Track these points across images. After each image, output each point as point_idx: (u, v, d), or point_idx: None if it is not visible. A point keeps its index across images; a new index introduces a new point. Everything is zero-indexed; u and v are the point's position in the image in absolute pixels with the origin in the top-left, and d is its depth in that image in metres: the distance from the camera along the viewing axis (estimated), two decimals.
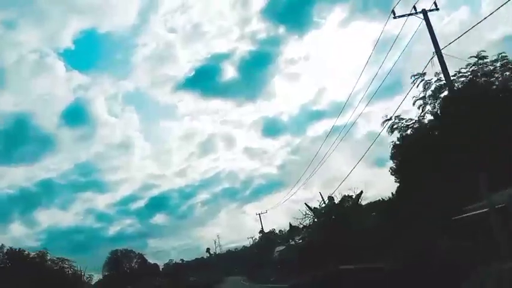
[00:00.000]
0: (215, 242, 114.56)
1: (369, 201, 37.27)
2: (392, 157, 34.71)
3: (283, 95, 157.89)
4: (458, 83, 16.15)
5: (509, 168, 15.29)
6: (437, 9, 20.86)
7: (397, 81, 62.36)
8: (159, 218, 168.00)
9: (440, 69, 17.59)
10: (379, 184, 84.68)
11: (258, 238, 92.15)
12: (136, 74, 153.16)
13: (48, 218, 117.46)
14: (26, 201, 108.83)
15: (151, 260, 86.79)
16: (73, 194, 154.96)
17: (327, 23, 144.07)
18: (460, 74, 16.02)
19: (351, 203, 35.54)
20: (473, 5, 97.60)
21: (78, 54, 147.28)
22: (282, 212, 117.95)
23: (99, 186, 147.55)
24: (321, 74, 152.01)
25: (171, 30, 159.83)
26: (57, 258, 35.81)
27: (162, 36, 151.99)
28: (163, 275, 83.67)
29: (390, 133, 17.86)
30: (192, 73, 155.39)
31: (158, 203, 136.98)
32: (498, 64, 16.30)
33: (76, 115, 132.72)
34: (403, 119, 17.59)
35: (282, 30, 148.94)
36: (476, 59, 15.86)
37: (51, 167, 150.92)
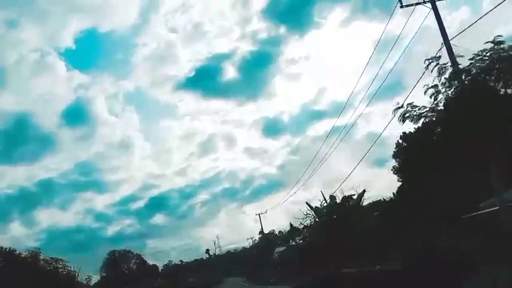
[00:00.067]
0: (214, 243, 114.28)
1: (370, 201, 36.88)
2: (395, 156, 34.25)
3: (284, 95, 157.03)
4: (476, 68, 15.12)
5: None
6: None
7: (398, 81, 61.69)
8: (158, 219, 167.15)
9: (449, 60, 16.82)
10: (378, 185, 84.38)
11: (257, 239, 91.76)
12: (137, 73, 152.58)
13: (48, 217, 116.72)
14: (26, 201, 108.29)
15: (150, 261, 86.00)
16: (73, 193, 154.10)
17: (327, 23, 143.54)
18: (479, 57, 14.97)
19: (352, 202, 35.07)
20: (473, 5, 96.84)
21: (78, 53, 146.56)
22: (281, 213, 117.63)
23: (99, 186, 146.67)
24: (321, 74, 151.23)
25: (171, 30, 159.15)
26: (51, 258, 35.17)
27: (162, 36, 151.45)
28: (162, 276, 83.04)
29: (401, 122, 16.69)
30: (193, 73, 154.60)
31: (158, 203, 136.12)
32: None
33: (76, 115, 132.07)
34: (416, 106, 16.39)
35: (282, 30, 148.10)
36: (493, 44, 14.86)
37: (51, 166, 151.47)
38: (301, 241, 45.41)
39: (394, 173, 32.44)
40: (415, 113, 16.35)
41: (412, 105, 16.48)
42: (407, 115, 16.55)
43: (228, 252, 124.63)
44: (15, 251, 32.81)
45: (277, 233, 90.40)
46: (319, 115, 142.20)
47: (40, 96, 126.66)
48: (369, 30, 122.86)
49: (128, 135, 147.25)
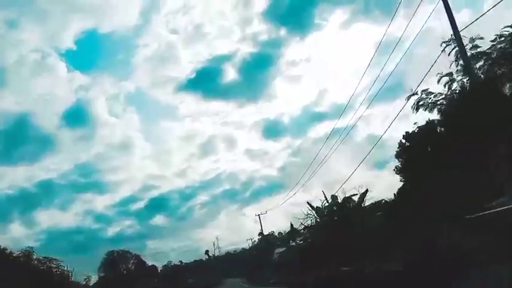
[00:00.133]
0: (214, 244, 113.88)
1: (371, 202, 36.25)
2: (397, 156, 33.63)
3: (284, 97, 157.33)
4: (497, 51, 14.25)
5: None
6: None
7: (399, 83, 60.78)
8: (158, 219, 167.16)
9: (459, 50, 16.01)
10: (379, 186, 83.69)
11: (257, 240, 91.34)
12: (138, 74, 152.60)
13: (48, 218, 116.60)
14: (26, 202, 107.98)
15: (149, 262, 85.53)
16: (73, 194, 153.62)
17: (328, 25, 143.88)
18: (501, 39, 14.07)
19: (353, 204, 34.51)
20: (474, 6, 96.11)
21: (79, 54, 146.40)
22: (281, 215, 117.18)
23: (99, 187, 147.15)
24: (322, 75, 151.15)
25: (172, 31, 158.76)
26: (44, 257, 34.43)
27: (163, 37, 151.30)
28: (161, 277, 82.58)
29: (415, 111, 15.65)
30: (194, 74, 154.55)
31: (158, 204, 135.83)
32: None
33: (77, 115, 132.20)
34: (431, 93, 15.27)
35: (283, 31, 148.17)
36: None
37: (51, 167, 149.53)
38: (301, 242, 44.99)
39: (396, 173, 31.95)
40: (430, 101, 15.30)
41: (427, 92, 15.39)
42: (421, 103, 15.47)
43: (228, 253, 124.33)
44: (6, 249, 32.01)
45: (276, 234, 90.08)
46: (319, 117, 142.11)
47: (40, 97, 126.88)
48: (370, 32, 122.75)
49: (128, 136, 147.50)
